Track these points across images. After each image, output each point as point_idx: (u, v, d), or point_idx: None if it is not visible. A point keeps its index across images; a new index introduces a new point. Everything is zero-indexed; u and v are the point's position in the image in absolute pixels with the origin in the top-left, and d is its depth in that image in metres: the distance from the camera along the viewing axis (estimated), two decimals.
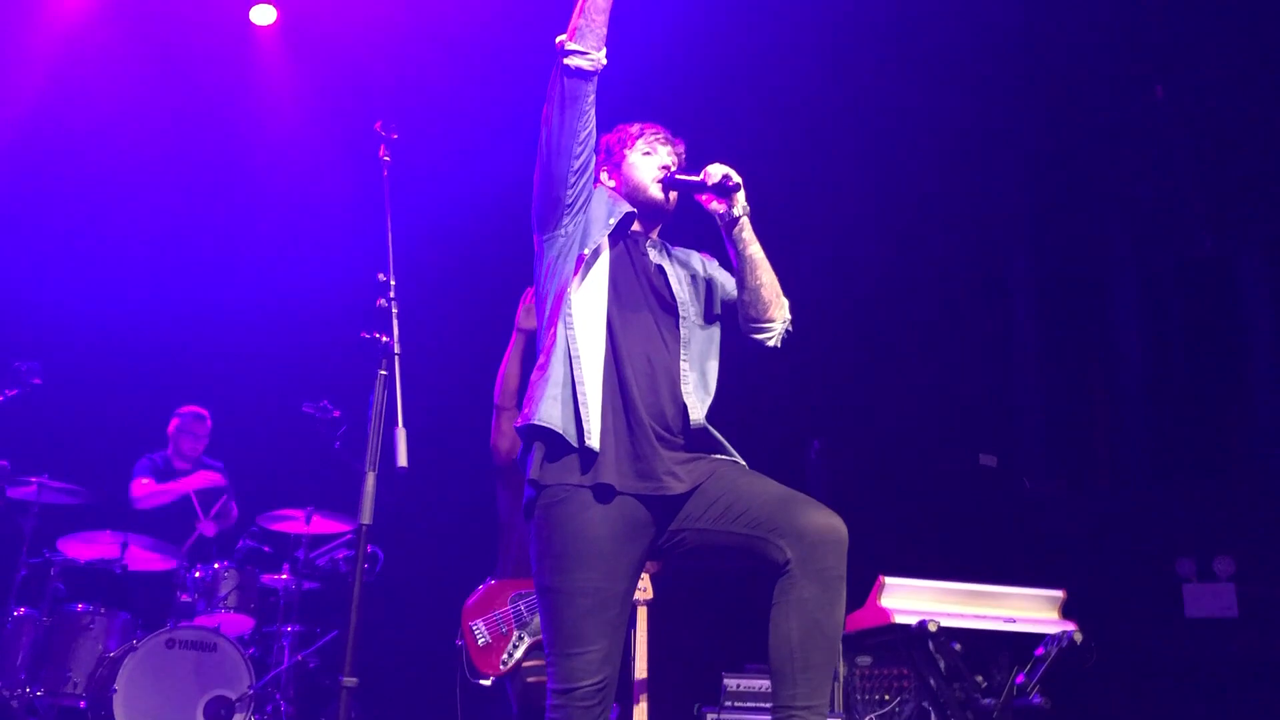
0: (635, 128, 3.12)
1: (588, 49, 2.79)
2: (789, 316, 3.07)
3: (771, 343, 3.06)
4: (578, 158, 2.86)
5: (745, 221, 2.96)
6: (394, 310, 2.90)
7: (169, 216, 7.40)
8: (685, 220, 3.16)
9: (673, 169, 3.05)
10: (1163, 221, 7.13)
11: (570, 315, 2.80)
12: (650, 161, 3.06)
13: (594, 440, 2.68)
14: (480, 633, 4.78)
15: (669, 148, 3.10)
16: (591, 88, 2.83)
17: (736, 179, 2.94)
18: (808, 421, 6.96)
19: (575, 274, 2.85)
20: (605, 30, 2.82)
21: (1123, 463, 7.03)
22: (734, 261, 3.01)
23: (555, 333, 2.82)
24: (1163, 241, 7.17)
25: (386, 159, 3.16)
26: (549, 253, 2.95)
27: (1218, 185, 6.92)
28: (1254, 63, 6.52)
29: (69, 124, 7.06)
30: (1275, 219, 6.86)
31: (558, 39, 2.80)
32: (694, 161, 3.08)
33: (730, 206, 2.95)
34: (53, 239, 7.19)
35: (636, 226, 3.05)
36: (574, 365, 2.75)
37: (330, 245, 7.35)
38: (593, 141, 2.92)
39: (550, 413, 2.72)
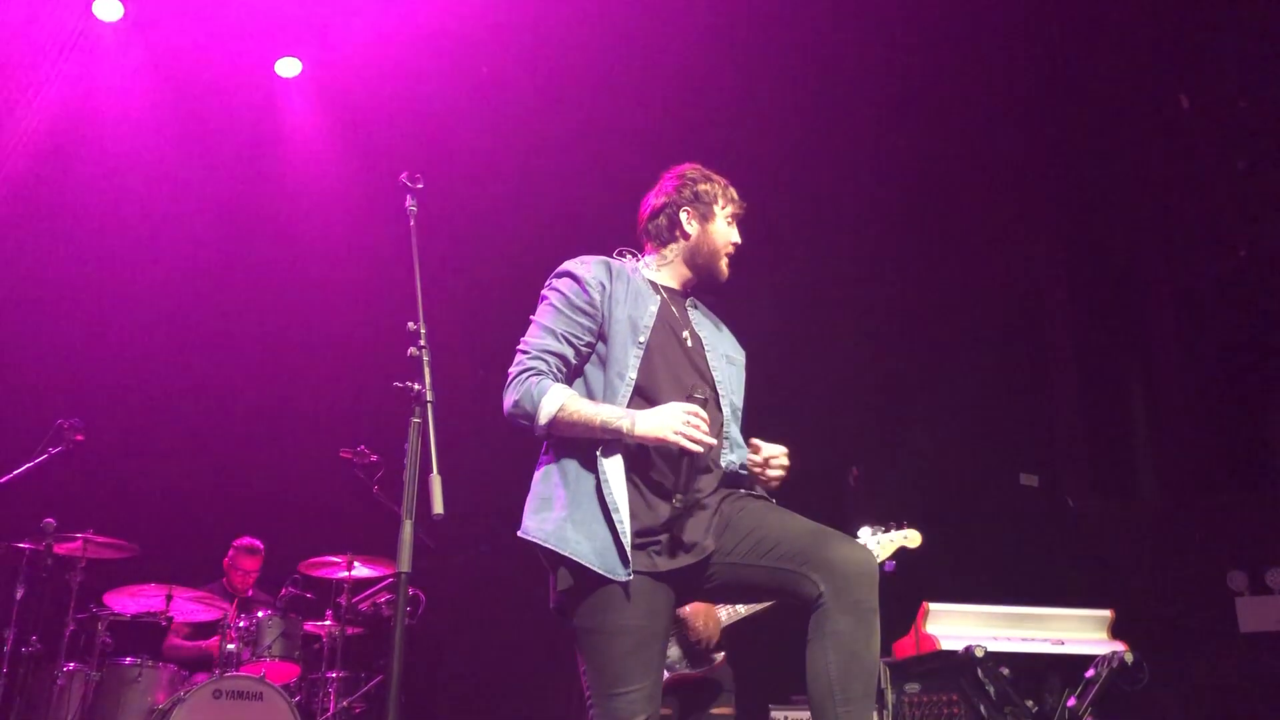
0: (729, 189, 3.08)
1: (540, 428, 2.75)
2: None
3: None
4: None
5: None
6: (425, 358, 2.91)
7: (204, 269, 7.49)
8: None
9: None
10: (1195, 233, 7.07)
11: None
12: (732, 234, 3.04)
13: (631, 569, 2.65)
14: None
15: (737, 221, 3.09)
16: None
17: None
18: (846, 448, 6.93)
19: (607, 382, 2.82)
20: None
21: (1167, 477, 6.93)
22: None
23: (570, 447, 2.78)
24: (1196, 253, 7.10)
25: (413, 208, 3.19)
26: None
27: (1249, 192, 6.85)
28: (1279, 68, 6.48)
29: (98, 176, 7.15)
30: None
31: (544, 409, 2.72)
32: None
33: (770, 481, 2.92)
34: (90, 295, 7.28)
35: (675, 283, 3.04)
36: (601, 489, 2.70)
37: (366, 293, 7.39)
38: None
39: (582, 549, 2.67)
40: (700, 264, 3.02)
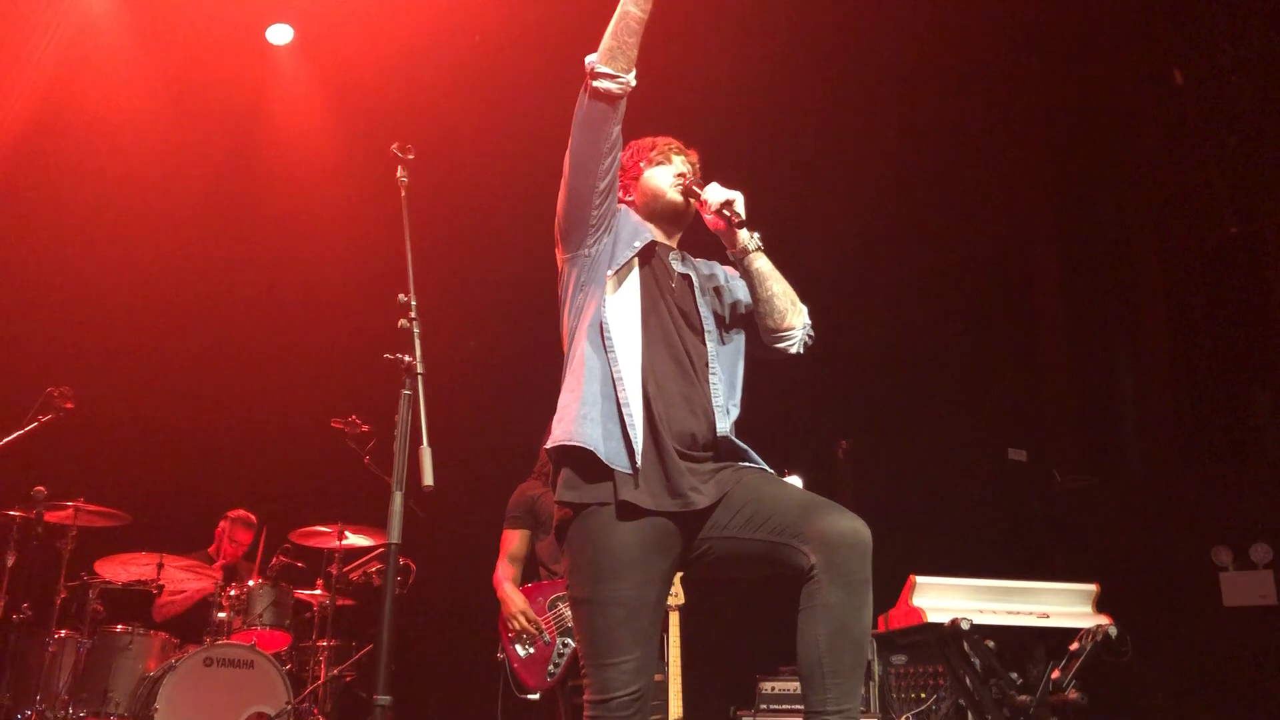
0: (648, 141, 3.14)
1: (617, 71, 2.78)
2: (809, 322, 3.05)
3: (793, 350, 3.05)
4: (603, 177, 2.86)
5: (747, 249, 2.97)
6: (416, 330, 2.91)
7: (195, 238, 7.46)
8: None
9: (688, 177, 3.05)
10: (1186, 206, 7.06)
11: (610, 337, 2.81)
12: (666, 170, 3.08)
13: (638, 460, 2.68)
14: (521, 644, 4.72)
15: (683, 157, 3.12)
16: (619, 109, 2.84)
17: (739, 211, 2.93)
18: (835, 422, 6.96)
19: (604, 293, 2.86)
20: (636, 52, 2.81)
21: (1154, 452, 6.96)
22: (743, 277, 3.03)
23: (583, 351, 2.82)
24: (1186, 227, 7.10)
25: (404, 179, 3.18)
26: (573, 270, 2.96)
27: (1240, 168, 6.85)
28: (1273, 44, 6.46)
29: (88, 143, 7.11)
30: None
31: (587, 59, 2.79)
32: (710, 175, 3.07)
33: (731, 237, 2.97)
34: (81, 263, 7.25)
35: (660, 238, 3.06)
36: (616, 388, 2.75)
37: (357, 264, 7.37)
38: (618, 160, 2.92)
39: (589, 433, 2.71)
40: (656, 211, 3.06)
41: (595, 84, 2.78)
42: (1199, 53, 6.72)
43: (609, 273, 2.88)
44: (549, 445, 2.81)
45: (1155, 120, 7.02)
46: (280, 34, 7.27)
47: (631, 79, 2.80)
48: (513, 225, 6.77)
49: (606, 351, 2.80)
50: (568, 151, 2.86)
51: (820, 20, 6.74)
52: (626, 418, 2.72)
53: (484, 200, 7.33)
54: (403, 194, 3.17)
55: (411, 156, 3.19)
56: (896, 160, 7.12)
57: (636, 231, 2.99)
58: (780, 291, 2.99)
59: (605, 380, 2.78)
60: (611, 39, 2.79)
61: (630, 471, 2.69)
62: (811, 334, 3.06)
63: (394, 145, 3.19)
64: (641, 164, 3.10)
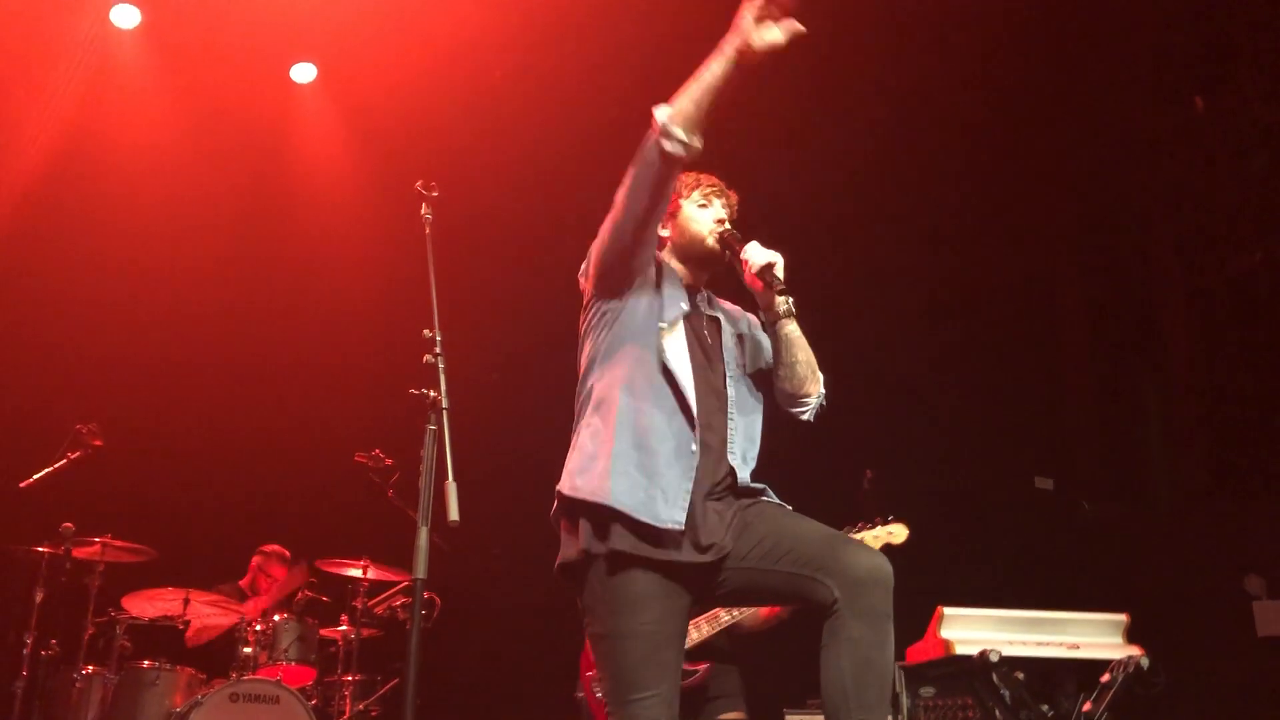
0: (690, 177, 3.06)
1: (693, 140, 2.65)
2: (823, 391, 3.04)
3: (805, 417, 3.04)
4: (652, 228, 2.83)
5: (779, 313, 2.94)
6: (441, 365, 2.93)
7: (219, 273, 7.52)
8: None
9: (728, 228, 3.00)
10: (1210, 233, 7.03)
11: (683, 388, 2.78)
12: (707, 215, 3.03)
13: (678, 522, 2.66)
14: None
15: (723, 199, 3.07)
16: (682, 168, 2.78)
17: (779, 276, 2.88)
18: (860, 452, 6.92)
19: (657, 344, 2.83)
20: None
21: (1182, 479, 6.90)
22: (770, 338, 3.00)
23: (618, 400, 2.79)
24: (1212, 254, 7.06)
25: (428, 216, 3.20)
26: (604, 310, 2.92)
27: (1265, 192, 6.81)
28: None
29: (113, 177, 7.17)
30: None
31: (661, 117, 2.65)
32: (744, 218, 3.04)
33: (768, 299, 2.94)
34: (105, 298, 7.32)
35: (688, 279, 3.03)
36: (652, 439, 2.73)
37: (381, 300, 7.41)
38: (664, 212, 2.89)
39: (629, 497, 2.68)
40: (691, 255, 3.03)
41: (668, 147, 2.64)
42: (1222, 78, 6.70)
43: (661, 324, 2.86)
44: (572, 495, 2.77)
45: (1178, 145, 7.00)
46: (304, 73, 7.35)
47: (700, 142, 2.68)
48: (535, 259, 6.80)
49: (638, 400, 2.76)
50: (622, 196, 2.76)
51: (846, 46, 6.76)
52: (666, 481, 2.69)
53: (507, 234, 7.38)
54: (426, 230, 3.19)
55: (436, 194, 3.22)
56: (921, 188, 7.12)
57: (677, 287, 2.96)
58: (804, 360, 2.97)
59: (636, 430, 2.74)
60: (695, 107, 2.64)
61: (667, 528, 2.67)
62: (824, 403, 3.05)
63: (418, 183, 3.21)
64: (681, 200, 3.04)
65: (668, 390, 2.79)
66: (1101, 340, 7.27)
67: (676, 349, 2.84)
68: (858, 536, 4.30)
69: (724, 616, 4.34)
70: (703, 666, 4.35)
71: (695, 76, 2.65)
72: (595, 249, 2.90)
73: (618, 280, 2.88)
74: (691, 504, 2.71)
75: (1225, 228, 6.97)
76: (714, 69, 2.63)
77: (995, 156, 7.13)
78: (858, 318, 6.87)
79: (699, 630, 4.33)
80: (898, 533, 4.34)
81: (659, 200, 2.75)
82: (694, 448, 2.75)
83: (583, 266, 2.97)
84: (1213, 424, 6.93)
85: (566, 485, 2.79)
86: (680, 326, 2.89)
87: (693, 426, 2.77)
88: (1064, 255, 7.49)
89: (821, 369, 3.04)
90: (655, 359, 2.82)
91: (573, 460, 2.82)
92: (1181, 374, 7.06)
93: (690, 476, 2.72)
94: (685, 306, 2.92)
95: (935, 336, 7.26)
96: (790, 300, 2.92)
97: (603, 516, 2.70)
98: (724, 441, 2.87)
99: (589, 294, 2.98)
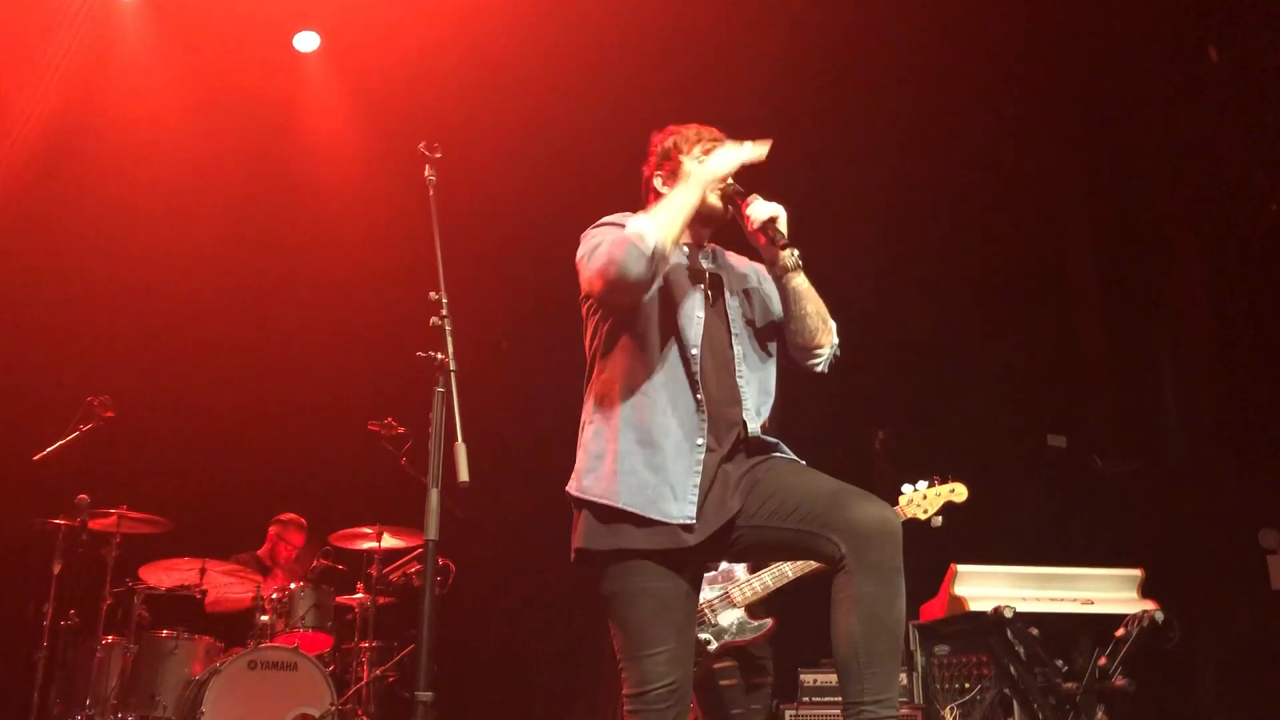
0: (692, 130, 3.00)
1: (670, 255, 2.69)
2: (836, 341, 2.99)
3: (819, 368, 2.99)
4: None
5: (786, 266, 2.89)
6: (447, 327, 2.92)
7: (226, 242, 7.51)
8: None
9: (731, 181, 2.90)
10: (1224, 187, 6.95)
11: (650, 377, 2.76)
12: None
13: (689, 517, 2.65)
14: None
15: None
16: None
17: (782, 230, 2.83)
18: (871, 412, 6.91)
19: (644, 331, 2.80)
20: None
21: (1196, 435, 6.86)
22: (779, 291, 2.95)
23: (620, 396, 2.77)
24: (1225, 210, 6.98)
25: (432, 178, 3.18)
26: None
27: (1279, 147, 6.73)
28: None
29: (116, 148, 7.16)
30: None
31: (637, 228, 2.65)
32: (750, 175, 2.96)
33: (772, 253, 2.88)
34: (111, 270, 7.33)
35: (688, 237, 2.97)
36: (656, 434, 2.71)
37: (387, 264, 7.41)
38: None
39: (637, 496, 2.68)
40: (694, 212, 2.90)
41: (647, 259, 2.62)
42: (1234, 31, 6.60)
43: (673, 312, 2.83)
44: (580, 496, 2.77)
45: (1190, 102, 6.90)
46: (307, 41, 7.30)
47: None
48: (541, 221, 6.78)
49: (689, 385, 2.75)
50: (597, 277, 2.71)
51: (861, 25, 6.69)
52: (672, 478, 2.68)
53: (512, 197, 7.34)
54: (431, 192, 3.17)
55: (439, 155, 3.19)
56: (933, 150, 7.04)
57: (677, 256, 2.91)
58: (814, 311, 2.92)
59: (639, 427, 2.73)
60: (672, 227, 2.69)
61: (675, 523, 2.66)
62: (838, 353, 3.00)
63: (421, 144, 3.19)
64: (682, 156, 2.98)
65: (671, 376, 2.77)
66: (1114, 296, 7.22)
67: (680, 324, 2.81)
68: (920, 494, 4.30)
69: (789, 572, 4.29)
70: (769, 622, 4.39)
71: (670, 197, 2.77)
72: (586, 282, 2.82)
73: (622, 308, 2.84)
74: (706, 485, 2.70)
75: (1239, 182, 6.89)
76: (683, 189, 2.77)
77: (1006, 114, 7.06)
78: (869, 277, 6.83)
79: (761, 581, 4.30)
80: (959, 491, 4.33)
81: (643, 294, 2.73)
82: (700, 440, 2.72)
83: (579, 253, 2.87)
84: (1226, 380, 6.88)
85: (574, 486, 2.80)
86: (683, 304, 2.85)
87: (699, 409, 2.74)
88: (1076, 211, 7.42)
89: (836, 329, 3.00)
90: (657, 343, 2.79)
91: (580, 460, 2.82)
92: (1195, 330, 7.01)
93: (697, 470, 2.70)
94: (686, 264, 2.88)
95: (947, 295, 7.22)
96: (795, 253, 2.86)
97: (612, 516, 2.70)
98: (736, 403, 2.83)
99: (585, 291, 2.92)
